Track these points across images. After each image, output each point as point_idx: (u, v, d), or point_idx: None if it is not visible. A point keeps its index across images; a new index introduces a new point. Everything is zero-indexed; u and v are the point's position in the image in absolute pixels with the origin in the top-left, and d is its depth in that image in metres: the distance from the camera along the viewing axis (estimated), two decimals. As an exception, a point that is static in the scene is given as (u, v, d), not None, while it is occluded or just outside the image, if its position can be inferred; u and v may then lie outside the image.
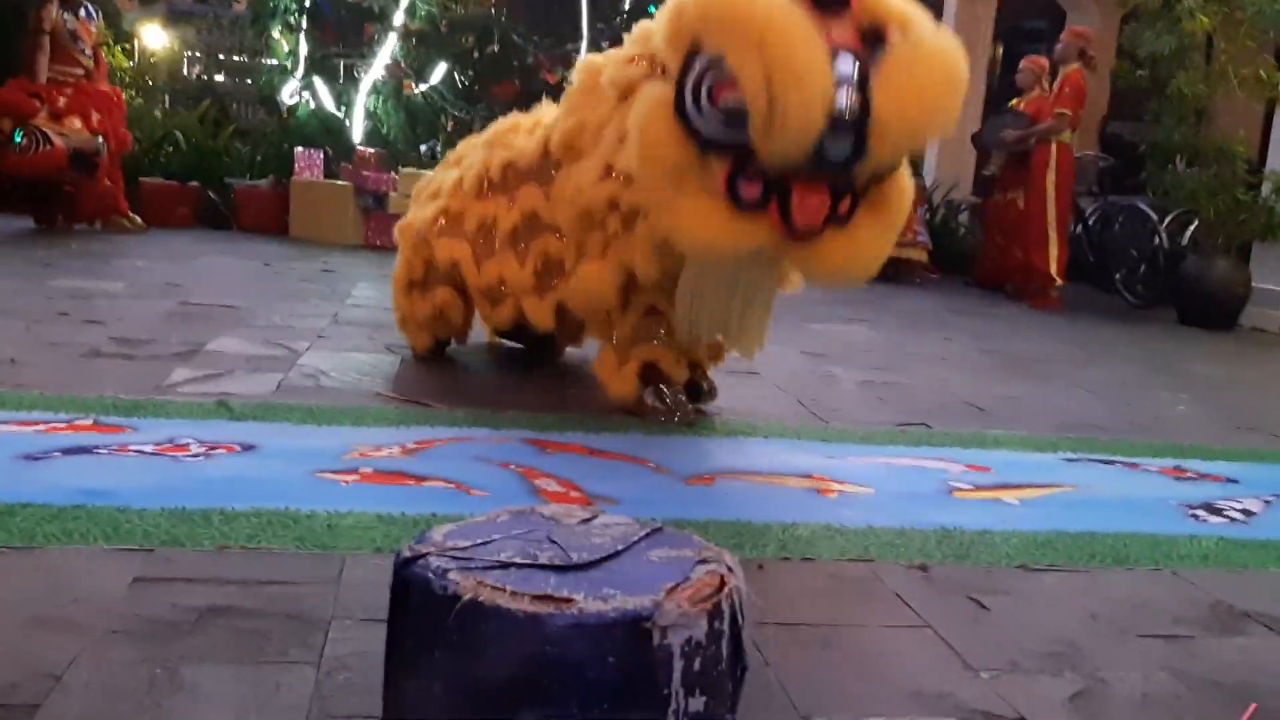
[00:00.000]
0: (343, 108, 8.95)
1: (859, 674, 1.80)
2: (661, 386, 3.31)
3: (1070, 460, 3.29)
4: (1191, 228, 7.59)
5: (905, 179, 2.92)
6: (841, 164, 2.63)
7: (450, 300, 3.71)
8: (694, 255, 2.89)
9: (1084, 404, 4.27)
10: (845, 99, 2.53)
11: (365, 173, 7.94)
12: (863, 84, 2.56)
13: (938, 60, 2.67)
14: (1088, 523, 2.66)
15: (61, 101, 7.01)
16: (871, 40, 2.64)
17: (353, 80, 8.92)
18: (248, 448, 2.70)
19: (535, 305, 3.44)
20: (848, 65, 2.56)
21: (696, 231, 2.74)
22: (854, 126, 2.56)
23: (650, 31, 3.02)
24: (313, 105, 9.07)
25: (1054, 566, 2.36)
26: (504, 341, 4.15)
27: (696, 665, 1.22)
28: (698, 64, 2.66)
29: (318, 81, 9.09)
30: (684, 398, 3.34)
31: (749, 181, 2.67)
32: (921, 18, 2.73)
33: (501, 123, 3.79)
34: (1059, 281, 7.54)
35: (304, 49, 9.29)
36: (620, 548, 1.35)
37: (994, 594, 2.17)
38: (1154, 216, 7.80)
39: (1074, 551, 2.46)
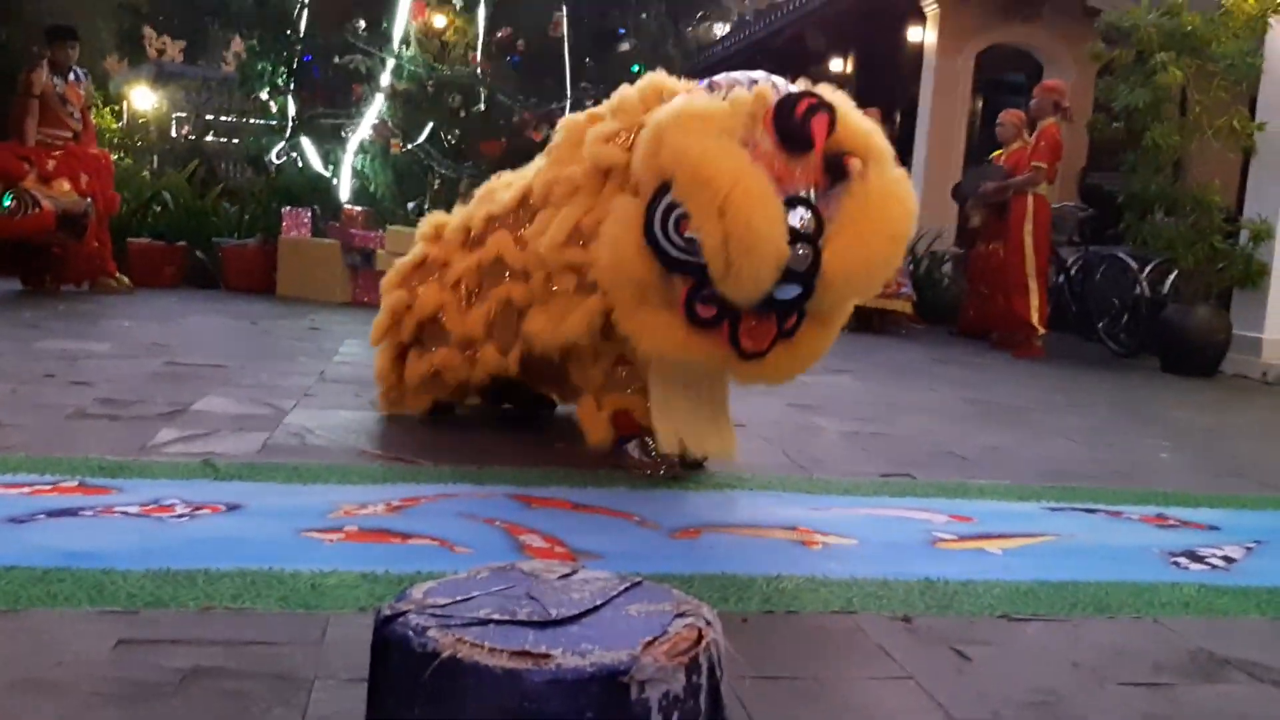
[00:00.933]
0: (330, 166, 9.03)
1: (842, 726, 1.80)
2: (646, 439, 3.33)
3: (1053, 509, 3.31)
4: (1171, 276, 7.68)
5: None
6: (789, 303, 2.89)
7: (448, 359, 3.63)
8: (652, 358, 3.09)
9: (1067, 452, 4.30)
10: (796, 256, 2.77)
11: (353, 230, 8.00)
12: (815, 236, 2.80)
13: (888, 209, 2.88)
14: (1070, 572, 2.67)
15: (50, 164, 7.07)
16: (832, 169, 2.85)
17: (340, 140, 9.01)
18: (233, 507, 2.71)
19: (493, 355, 3.46)
20: (803, 218, 2.79)
21: (655, 341, 2.97)
22: (802, 276, 2.81)
23: (629, 104, 3.15)
24: (300, 164, 9.16)
25: (1036, 616, 2.37)
26: (505, 405, 4.14)
27: (675, 719, 1.23)
28: (668, 197, 2.83)
29: (305, 141, 9.18)
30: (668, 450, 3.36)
31: (705, 304, 2.88)
32: (879, 149, 2.93)
33: (489, 183, 3.84)
34: (1041, 330, 7.61)
35: (292, 109, 9.40)
36: (599, 602, 1.37)
37: (977, 644, 2.18)
38: (1134, 265, 7.89)
39: (1056, 601, 2.47)
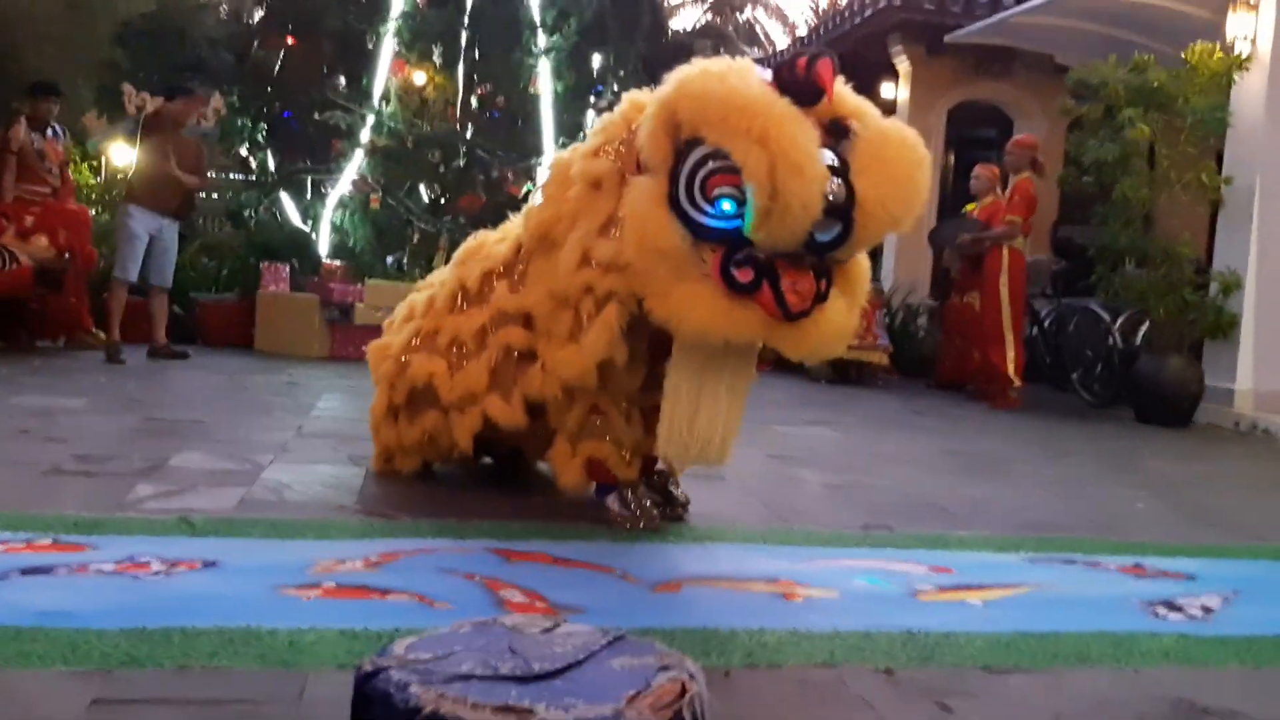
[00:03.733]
0: (309, 221, 9.06)
1: (825, 781, 1.79)
2: (627, 492, 3.32)
3: (1032, 560, 3.32)
4: (1144, 328, 7.76)
5: (864, 257, 3.11)
6: (829, 246, 2.82)
7: (439, 424, 3.62)
8: (693, 339, 2.96)
9: (1045, 503, 4.32)
10: (833, 187, 2.71)
11: (331, 285, 8.01)
12: (844, 172, 2.75)
13: (904, 145, 2.86)
14: (1050, 623, 2.68)
15: (28, 220, 7.06)
16: (835, 131, 2.81)
17: (319, 195, 9.05)
18: (209, 564, 2.68)
19: (499, 404, 3.41)
20: (829, 155, 2.75)
21: (695, 316, 2.84)
22: (841, 212, 2.75)
23: (612, 123, 3.20)
24: (279, 219, 9.18)
25: (1018, 667, 2.37)
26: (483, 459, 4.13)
27: (659, 774, 1.22)
28: (691, 158, 2.79)
29: (284, 196, 9.21)
30: (648, 503, 3.36)
31: (741, 268, 2.79)
32: (872, 110, 2.95)
33: (469, 243, 3.84)
34: (1017, 382, 7.67)
35: (271, 164, 9.43)
36: (582, 657, 1.36)
37: (959, 695, 2.18)
38: (1106, 317, 7.98)
39: (1037, 652, 2.47)
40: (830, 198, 2.70)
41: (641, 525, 3.28)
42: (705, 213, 2.79)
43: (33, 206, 7.15)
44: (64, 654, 2.04)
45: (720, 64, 2.87)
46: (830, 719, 2.05)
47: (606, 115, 3.29)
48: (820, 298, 2.86)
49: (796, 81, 2.78)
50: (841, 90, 2.92)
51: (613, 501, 3.33)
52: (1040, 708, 2.16)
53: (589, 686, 1.28)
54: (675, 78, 2.88)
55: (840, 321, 2.98)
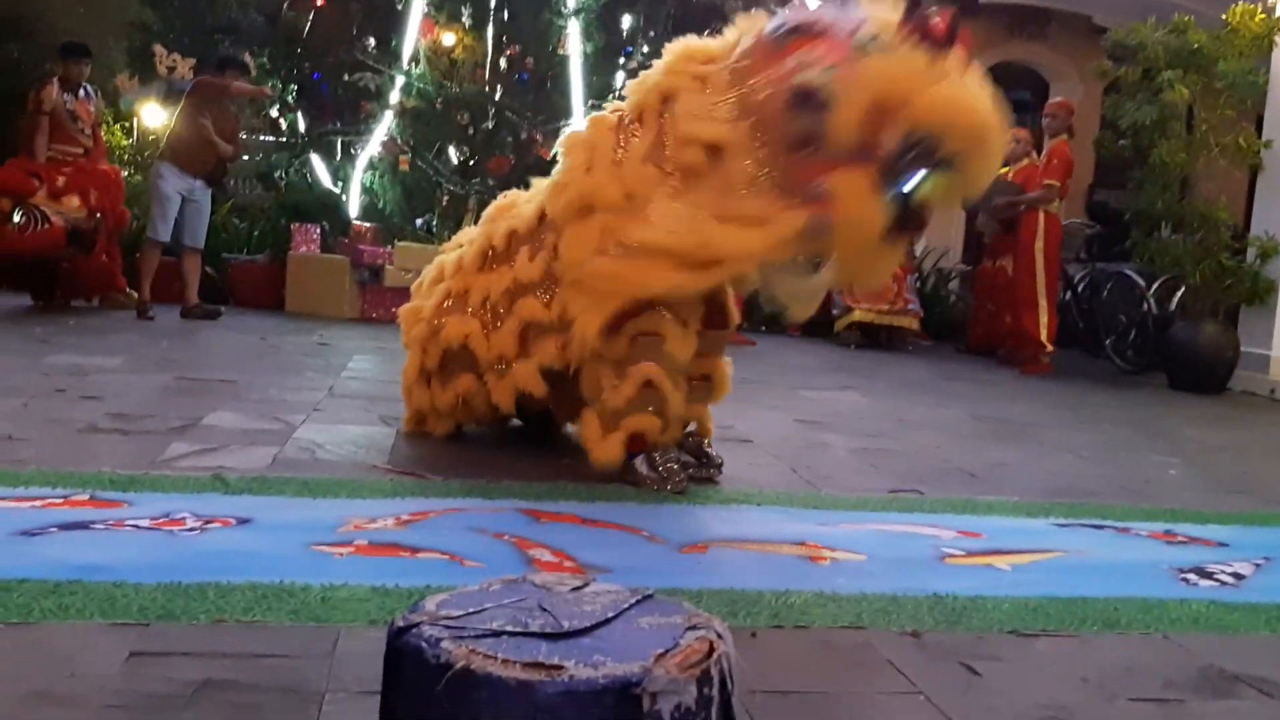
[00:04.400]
0: (339, 183, 9.07)
1: (851, 741, 1.80)
2: (654, 454, 3.33)
3: (1061, 526, 3.31)
4: (1179, 293, 7.68)
5: None
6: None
7: (472, 387, 3.65)
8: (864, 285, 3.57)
9: (1075, 469, 4.29)
10: None
11: (361, 247, 8.03)
12: None
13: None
14: (1079, 588, 2.67)
15: (60, 180, 7.10)
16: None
17: (349, 156, 9.05)
18: (243, 521, 2.72)
19: (525, 370, 3.48)
20: None
21: (880, 273, 3.62)
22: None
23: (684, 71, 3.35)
24: (309, 181, 9.20)
25: (1045, 631, 2.37)
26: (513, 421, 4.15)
27: (686, 731, 1.23)
28: (904, 143, 2.96)
29: (314, 158, 9.22)
30: (675, 465, 3.36)
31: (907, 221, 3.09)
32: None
33: (499, 200, 3.86)
34: (1049, 347, 7.61)
35: (301, 126, 9.44)
36: (610, 615, 1.37)
37: (986, 660, 2.18)
38: (1141, 283, 7.89)
39: (1065, 616, 2.47)
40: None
41: (668, 487, 3.29)
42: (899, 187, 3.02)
43: (65, 167, 7.19)
44: (102, 607, 2.08)
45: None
46: (857, 681, 2.05)
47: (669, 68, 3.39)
48: None
49: (936, 35, 2.97)
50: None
51: (641, 464, 3.34)
52: (1068, 672, 2.16)
53: (617, 644, 1.28)
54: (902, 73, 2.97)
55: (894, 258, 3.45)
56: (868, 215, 2.99)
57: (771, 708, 1.85)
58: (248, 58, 8.94)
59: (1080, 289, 8.57)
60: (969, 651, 2.21)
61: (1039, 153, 7.99)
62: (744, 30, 3.29)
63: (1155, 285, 7.84)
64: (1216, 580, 2.85)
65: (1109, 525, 3.35)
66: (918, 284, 9.01)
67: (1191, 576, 2.87)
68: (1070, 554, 3.01)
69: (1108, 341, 8.25)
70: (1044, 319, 7.58)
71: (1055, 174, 7.57)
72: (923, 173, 2.99)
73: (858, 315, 8.24)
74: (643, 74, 3.47)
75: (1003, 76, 11.09)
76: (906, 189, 3.00)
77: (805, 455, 4.09)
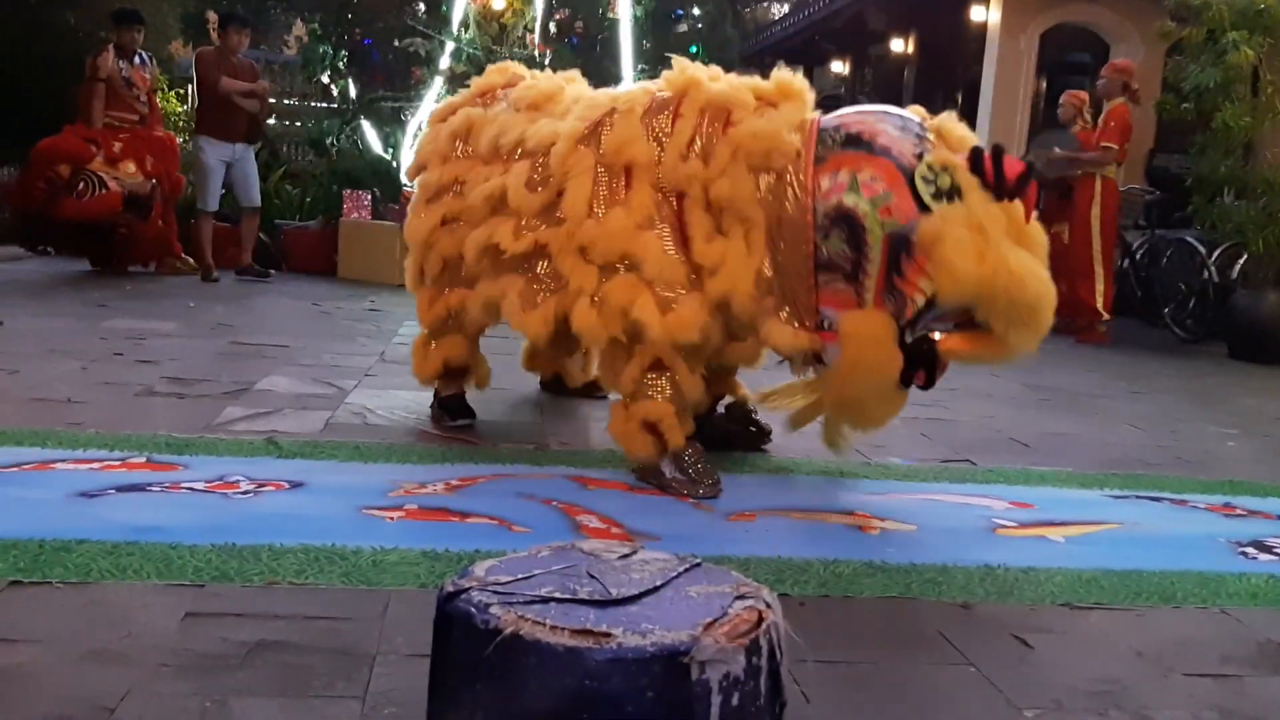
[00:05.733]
0: (390, 149, 9.10)
1: (901, 713, 1.79)
2: (682, 455, 3.01)
3: (1117, 497, 3.26)
4: (1241, 261, 7.49)
5: None
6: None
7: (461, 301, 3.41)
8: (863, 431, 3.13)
9: (1131, 440, 4.22)
10: None
11: (413, 213, 8.05)
12: None
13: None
14: (1134, 560, 2.63)
15: (116, 146, 7.20)
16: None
17: (400, 122, 9.07)
18: (296, 485, 2.75)
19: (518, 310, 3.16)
20: None
21: (883, 419, 2.98)
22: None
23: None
24: (360, 147, 9.24)
25: (1100, 605, 2.34)
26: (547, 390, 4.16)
27: (735, 700, 1.23)
28: (929, 314, 2.72)
29: (365, 124, 9.26)
30: (706, 465, 3.03)
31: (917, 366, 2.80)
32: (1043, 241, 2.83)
33: (535, 85, 3.42)
34: (1106, 316, 7.47)
35: (352, 92, 9.47)
36: (659, 583, 1.37)
37: (1038, 632, 2.15)
38: (1202, 250, 7.71)
39: (1120, 590, 2.43)
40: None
41: (700, 493, 2.93)
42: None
43: (121, 133, 7.28)
44: (158, 568, 2.12)
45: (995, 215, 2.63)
46: (907, 652, 2.04)
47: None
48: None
49: (1000, 184, 2.62)
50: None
51: (668, 466, 3.00)
52: (1122, 646, 2.13)
53: (666, 612, 1.28)
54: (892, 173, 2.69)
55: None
56: (880, 362, 2.72)
57: (820, 678, 1.84)
58: (299, 23, 8.97)
59: (1139, 256, 8.39)
60: (1021, 624, 2.19)
61: (1096, 116, 7.81)
62: (788, 93, 2.97)
63: (1216, 253, 7.65)
64: (1276, 554, 2.79)
65: (1166, 497, 3.30)
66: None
67: (1250, 550, 2.81)
68: (1125, 526, 2.96)
69: (1166, 310, 8.08)
70: (1100, 287, 7.43)
71: (1112, 136, 7.39)
72: (949, 326, 2.77)
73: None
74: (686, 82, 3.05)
75: (1062, 38, 10.93)
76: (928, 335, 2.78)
77: (855, 424, 4.04)
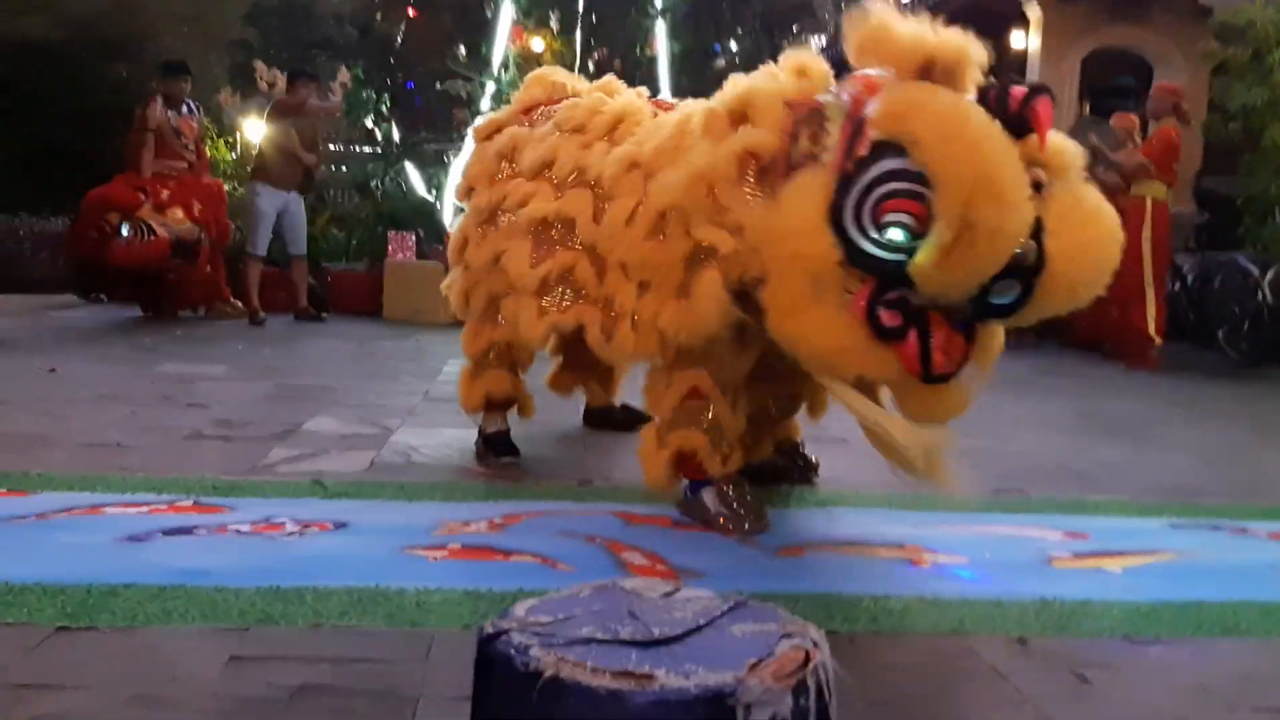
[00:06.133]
0: (433, 190, 9.20)
1: (955, 751, 1.74)
2: (727, 487, 2.90)
3: (1174, 526, 3.18)
4: (1295, 282, 7.35)
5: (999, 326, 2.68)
6: (999, 311, 2.46)
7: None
8: (814, 369, 2.65)
9: (1187, 467, 4.12)
10: (1024, 242, 2.30)
11: (456, 253, 8.12)
12: (1036, 231, 2.32)
13: (1102, 214, 2.46)
14: (1194, 591, 2.55)
15: (165, 194, 7.34)
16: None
17: (442, 164, 9.18)
18: (340, 525, 2.75)
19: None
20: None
21: (824, 345, 2.47)
22: (1027, 274, 2.35)
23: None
24: (404, 189, 9.36)
25: (1160, 638, 2.27)
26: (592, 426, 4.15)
27: (782, 743, 1.19)
28: (874, 169, 2.34)
29: (409, 166, 9.38)
30: (751, 500, 2.91)
31: (890, 309, 2.40)
32: (1077, 165, 2.49)
33: (579, 105, 3.31)
34: (1158, 340, 7.35)
35: (396, 135, 9.61)
36: (702, 622, 1.34)
37: (1097, 667, 2.09)
38: (1255, 271, 7.57)
39: (1181, 622, 2.36)
40: (1019, 251, 2.29)
41: (745, 527, 2.84)
42: (868, 237, 2.35)
43: (169, 181, 7.43)
44: (203, 611, 2.12)
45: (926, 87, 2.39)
46: (962, 689, 1.99)
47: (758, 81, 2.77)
48: (962, 363, 2.49)
49: (1005, 113, 2.34)
50: (1054, 139, 2.43)
51: (709, 497, 2.90)
52: (1184, 679, 2.06)
53: (710, 653, 1.25)
54: (873, 83, 2.45)
55: (966, 393, 2.62)
56: (796, 214, 2.41)
57: (872, 718, 1.80)
58: (343, 69, 9.13)
59: (1190, 279, 8.26)
60: (1079, 659, 2.13)
61: (1143, 139, 7.72)
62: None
63: (1270, 273, 7.51)
64: (1344, 583, 2.70)
65: (1225, 526, 3.21)
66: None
67: (1317, 579, 2.72)
68: (1184, 556, 2.88)
69: (1220, 333, 7.93)
70: (1152, 311, 7.31)
71: (1151, 152, 7.29)
72: (900, 232, 2.33)
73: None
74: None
75: (1104, 63, 10.84)
76: (884, 255, 2.35)
77: (903, 455, 3.99)
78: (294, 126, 7.78)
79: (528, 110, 3.53)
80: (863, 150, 2.37)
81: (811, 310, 2.44)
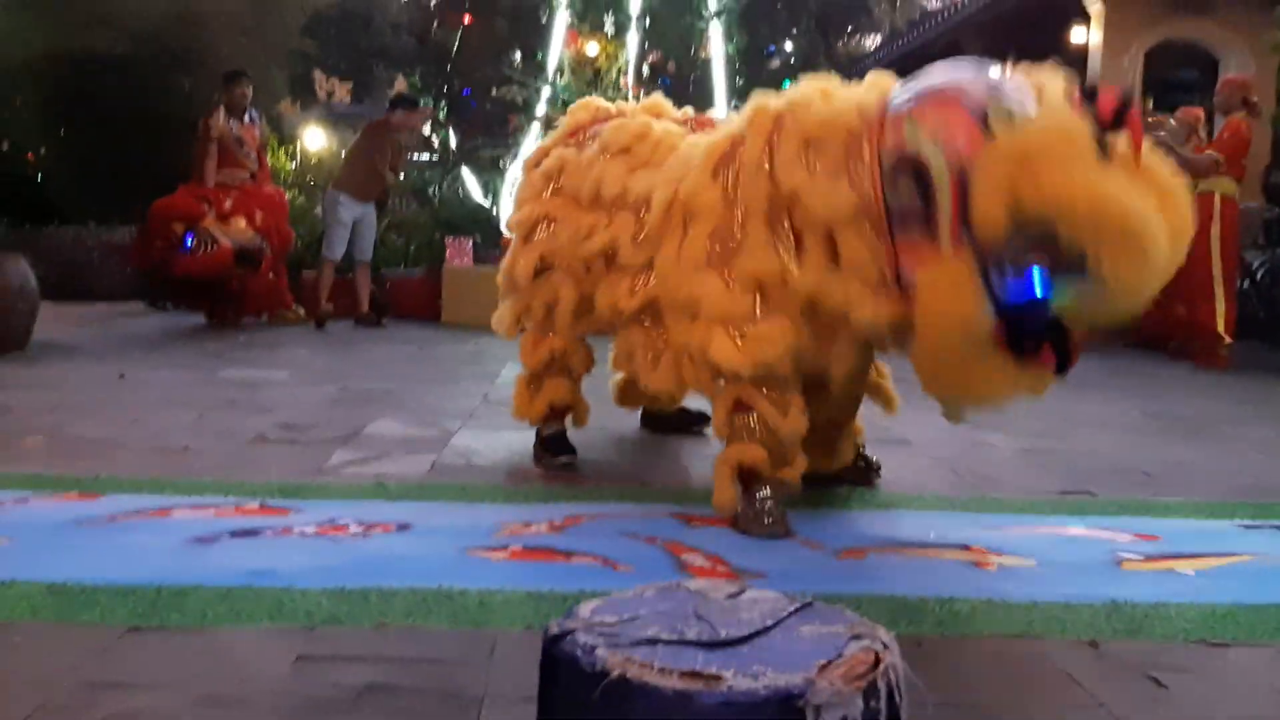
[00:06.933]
0: (489, 196, 9.26)
1: (1027, 756, 1.71)
2: (754, 490, 2.87)
3: (1248, 527, 3.10)
4: (1370, 277, 7.15)
5: None
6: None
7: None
8: (974, 406, 2.78)
9: (1260, 466, 4.02)
10: None
11: (512, 257, 8.17)
12: None
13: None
14: (1271, 594, 2.48)
15: (228, 204, 7.46)
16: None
17: (498, 170, 9.24)
18: (403, 527, 2.77)
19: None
20: None
21: (987, 390, 2.56)
22: None
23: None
24: (461, 195, 9.43)
25: (1236, 641, 2.21)
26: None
27: (852, 745, 1.17)
28: (1023, 245, 2.36)
29: (466, 172, 9.45)
30: (774, 504, 2.87)
31: (1031, 334, 2.45)
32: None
33: (625, 127, 3.37)
34: (1228, 339, 7.18)
35: (453, 142, 9.69)
36: (769, 623, 1.32)
37: (1173, 671, 2.04)
38: (1327, 267, 7.38)
39: (1258, 625, 2.29)
40: None
41: (759, 531, 2.81)
42: (1007, 284, 2.40)
43: (232, 191, 7.55)
44: (270, 612, 2.14)
45: (1071, 131, 2.35)
46: (1033, 694, 1.95)
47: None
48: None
49: (1101, 113, 2.36)
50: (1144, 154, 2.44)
51: (740, 501, 2.89)
52: (1265, 684, 2.00)
53: (778, 654, 1.24)
54: (1028, 141, 2.36)
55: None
56: (955, 309, 2.43)
57: (940, 720, 1.77)
58: (400, 78, 9.23)
59: (1259, 276, 8.06)
60: (1153, 662, 2.08)
61: (1211, 135, 7.55)
62: (870, 88, 2.80)
63: (1343, 270, 7.32)
64: None
65: (1302, 527, 3.12)
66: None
67: (1400, 582, 2.63)
68: (1259, 558, 2.80)
69: (1292, 331, 7.74)
70: (1221, 308, 7.14)
71: (1223, 148, 7.11)
72: (1042, 274, 2.38)
73: (1017, 310, 7.95)
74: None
75: (1167, 56, 10.62)
76: (1028, 294, 2.40)
77: (967, 456, 3.94)
78: (384, 149, 8.06)
79: (574, 133, 3.59)
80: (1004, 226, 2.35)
81: (967, 365, 2.50)
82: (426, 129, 9.86)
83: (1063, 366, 2.51)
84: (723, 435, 2.95)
